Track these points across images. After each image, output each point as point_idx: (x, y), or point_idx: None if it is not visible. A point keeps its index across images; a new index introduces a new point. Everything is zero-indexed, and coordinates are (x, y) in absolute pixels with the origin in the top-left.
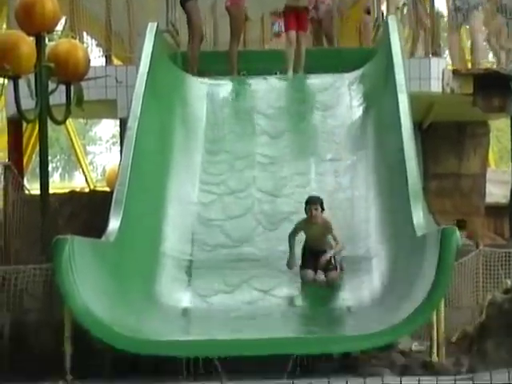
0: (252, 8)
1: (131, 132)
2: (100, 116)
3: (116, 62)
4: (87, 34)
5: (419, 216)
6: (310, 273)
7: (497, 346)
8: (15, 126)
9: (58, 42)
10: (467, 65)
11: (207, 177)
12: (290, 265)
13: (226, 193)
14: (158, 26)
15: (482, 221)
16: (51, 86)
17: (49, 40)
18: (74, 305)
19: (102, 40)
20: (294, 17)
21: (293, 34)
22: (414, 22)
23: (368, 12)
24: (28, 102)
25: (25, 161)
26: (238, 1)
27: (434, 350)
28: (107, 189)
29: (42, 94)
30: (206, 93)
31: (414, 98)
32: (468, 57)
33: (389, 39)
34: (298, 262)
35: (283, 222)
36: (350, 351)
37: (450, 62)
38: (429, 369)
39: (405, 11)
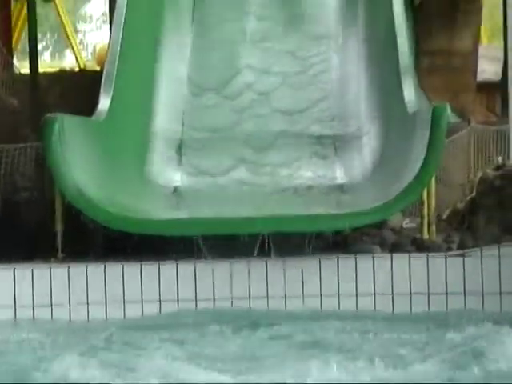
0: None
1: (120, 9)
2: None
3: None
4: None
5: (410, 92)
6: None
7: (487, 222)
8: (4, 3)
9: None
10: None
11: (198, 56)
12: None
13: (217, 70)
14: None
15: (474, 97)
16: None
17: None
18: (65, 184)
19: None
20: None
21: None
22: None
23: None
24: None
25: (14, 39)
26: None
27: (425, 227)
28: (97, 69)
29: None
30: None
31: None
32: None
33: None
34: None
35: (275, 100)
36: (341, 229)
37: None
38: (419, 246)
39: None
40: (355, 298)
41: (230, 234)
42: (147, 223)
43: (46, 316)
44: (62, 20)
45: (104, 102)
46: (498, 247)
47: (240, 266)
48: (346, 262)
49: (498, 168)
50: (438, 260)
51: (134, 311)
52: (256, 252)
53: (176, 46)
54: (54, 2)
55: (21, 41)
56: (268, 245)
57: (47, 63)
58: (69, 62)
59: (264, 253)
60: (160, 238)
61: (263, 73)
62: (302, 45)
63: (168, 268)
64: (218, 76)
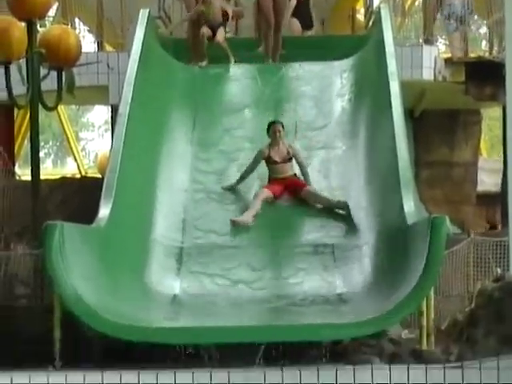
0: None
1: (122, 118)
2: (92, 102)
3: (108, 48)
4: (79, 20)
5: (410, 204)
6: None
7: (486, 334)
8: (6, 111)
9: (49, 27)
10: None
11: (199, 164)
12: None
13: (217, 180)
14: (149, 13)
15: (474, 209)
16: (43, 71)
17: (40, 26)
18: (64, 291)
19: (94, 26)
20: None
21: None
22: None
23: None
24: (19, 88)
25: (16, 146)
26: None
27: (424, 338)
28: (99, 175)
29: (33, 79)
30: (197, 80)
31: (405, 86)
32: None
33: (381, 27)
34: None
35: (275, 210)
36: (340, 339)
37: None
38: (418, 357)
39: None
40: None
41: (229, 343)
42: (146, 331)
43: None
44: (64, 128)
45: (104, 210)
46: (497, 360)
47: (238, 376)
48: (345, 373)
49: (497, 280)
50: (436, 372)
51: None
52: (255, 361)
53: (177, 155)
54: (57, 111)
55: (23, 148)
56: (267, 354)
57: (49, 170)
58: (70, 169)
59: (262, 362)
60: (159, 347)
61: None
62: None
63: (166, 376)
64: (219, 184)
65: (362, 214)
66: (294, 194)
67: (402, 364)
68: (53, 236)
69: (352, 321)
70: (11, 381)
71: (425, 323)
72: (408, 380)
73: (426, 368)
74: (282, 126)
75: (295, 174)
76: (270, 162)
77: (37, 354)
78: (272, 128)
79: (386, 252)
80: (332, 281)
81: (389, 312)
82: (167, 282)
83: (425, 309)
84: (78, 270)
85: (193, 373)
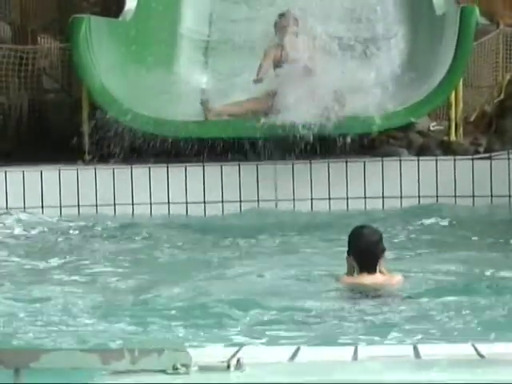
0: None
1: None
2: None
3: None
4: None
5: None
6: None
7: None
8: None
9: None
10: None
11: None
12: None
13: None
14: None
15: (503, 0)
16: None
17: None
18: (91, 84)
19: None
20: None
21: None
22: None
23: None
24: None
25: None
26: None
27: (453, 129)
28: None
29: None
30: None
31: None
32: None
33: None
34: None
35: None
36: (368, 132)
37: None
38: (447, 148)
39: None
40: (382, 199)
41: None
42: (173, 125)
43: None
44: None
45: (130, 3)
46: None
47: (267, 169)
48: (373, 165)
49: None
50: (464, 163)
51: (160, 211)
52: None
53: None
54: None
55: None
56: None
57: None
58: None
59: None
60: (186, 141)
61: None
62: None
63: (194, 170)
64: None
65: (390, 5)
66: None
67: (430, 156)
68: (79, 29)
69: (380, 113)
70: (41, 175)
71: (453, 115)
72: (436, 171)
73: (455, 159)
74: (296, 20)
75: None
76: (279, 66)
77: (66, 149)
78: (280, 23)
79: (414, 44)
80: (361, 74)
81: (418, 103)
82: (195, 75)
83: (453, 100)
84: (106, 63)
85: (221, 166)
